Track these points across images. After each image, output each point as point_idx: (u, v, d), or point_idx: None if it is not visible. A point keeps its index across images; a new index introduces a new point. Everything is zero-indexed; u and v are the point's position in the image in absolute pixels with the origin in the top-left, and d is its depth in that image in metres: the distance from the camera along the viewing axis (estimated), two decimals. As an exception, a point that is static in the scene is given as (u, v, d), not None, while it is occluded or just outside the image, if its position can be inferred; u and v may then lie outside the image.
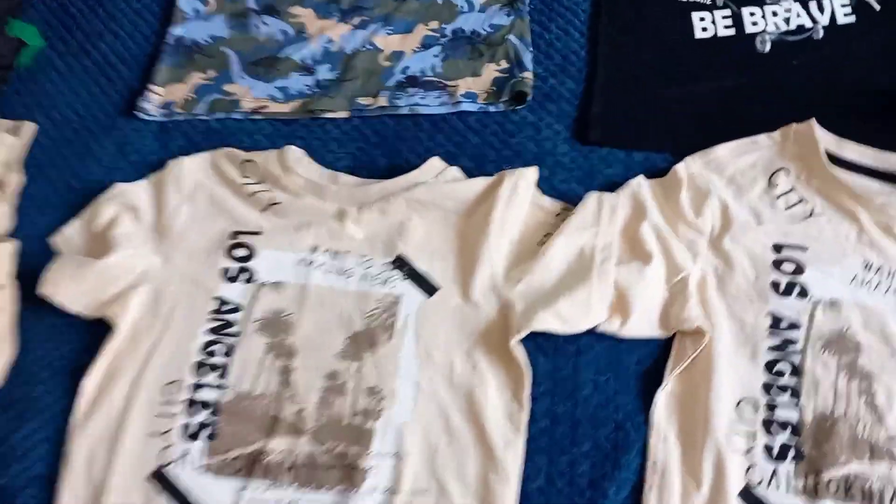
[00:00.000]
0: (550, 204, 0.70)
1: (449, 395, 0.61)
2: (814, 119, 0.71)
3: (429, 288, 0.66)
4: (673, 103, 0.76)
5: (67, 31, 0.82)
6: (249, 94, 0.78)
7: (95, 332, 0.64)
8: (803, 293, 0.65)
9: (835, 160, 0.70)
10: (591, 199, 0.68)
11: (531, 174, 0.70)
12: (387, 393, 0.61)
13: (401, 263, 0.67)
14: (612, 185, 0.71)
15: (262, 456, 0.59)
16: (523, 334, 0.62)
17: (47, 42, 0.81)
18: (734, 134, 0.72)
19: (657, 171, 0.72)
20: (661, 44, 0.80)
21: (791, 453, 0.59)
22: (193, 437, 0.60)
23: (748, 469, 0.58)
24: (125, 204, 0.69)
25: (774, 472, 0.58)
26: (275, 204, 0.70)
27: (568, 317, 0.63)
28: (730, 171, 0.70)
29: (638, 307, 0.64)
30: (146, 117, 0.77)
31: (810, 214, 0.68)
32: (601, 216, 0.67)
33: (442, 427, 0.60)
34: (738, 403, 0.61)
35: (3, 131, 0.74)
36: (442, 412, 0.61)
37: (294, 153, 0.72)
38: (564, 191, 0.72)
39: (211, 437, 0.60)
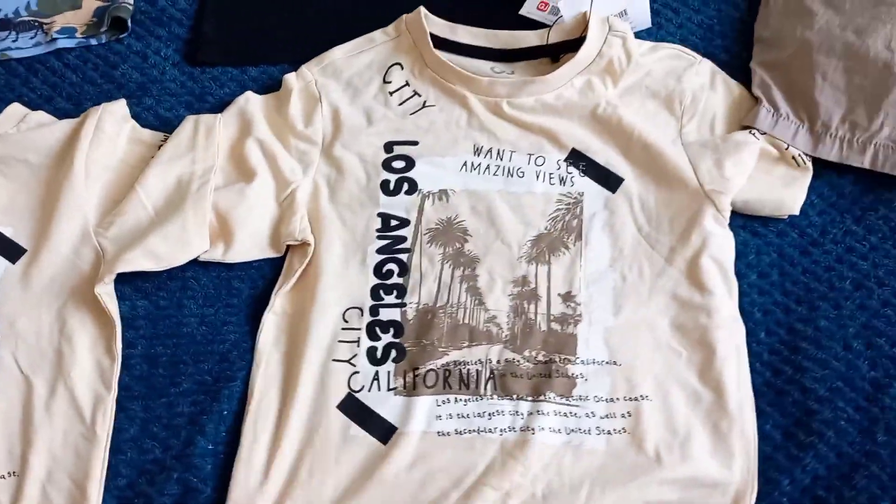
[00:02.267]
0: (151, 136, 0.64)
1: (33, 366, 0.55)
2: (421, 6, 0.67)
3: (12, 254, 0.59)
4: (288, 10, 0.71)
5: None
6: None
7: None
8: (412, 188, 0.62)
9: (448, 45, 0.67)
10: (188, 123, 0.63)
11: (118, 108, 0.64)
12: None
13: None
14: (224, 107, 0.65)
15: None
16: (107, 281, 0.57)
17: None
18: (358, 32, 0.68)
19: (277, 85, 0.67)
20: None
21: (393, 353, 0.57)
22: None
23: (351, 376, 0.56)
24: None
25: (376, 375, 0.56)
26: None
27: (161, 253, 0.58)
28: (347, 73, 0.66)
29: (241, 230, 0.60)
30: None
31: (423, 106, 0.65)
32: (196, 140, 0.62)
33: (24, 403, 0.54)
34: (345, 312, 0.58)
35: None
36: (22, 388, 0.55)
37: None
38: (171, 118, 0.66)
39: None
